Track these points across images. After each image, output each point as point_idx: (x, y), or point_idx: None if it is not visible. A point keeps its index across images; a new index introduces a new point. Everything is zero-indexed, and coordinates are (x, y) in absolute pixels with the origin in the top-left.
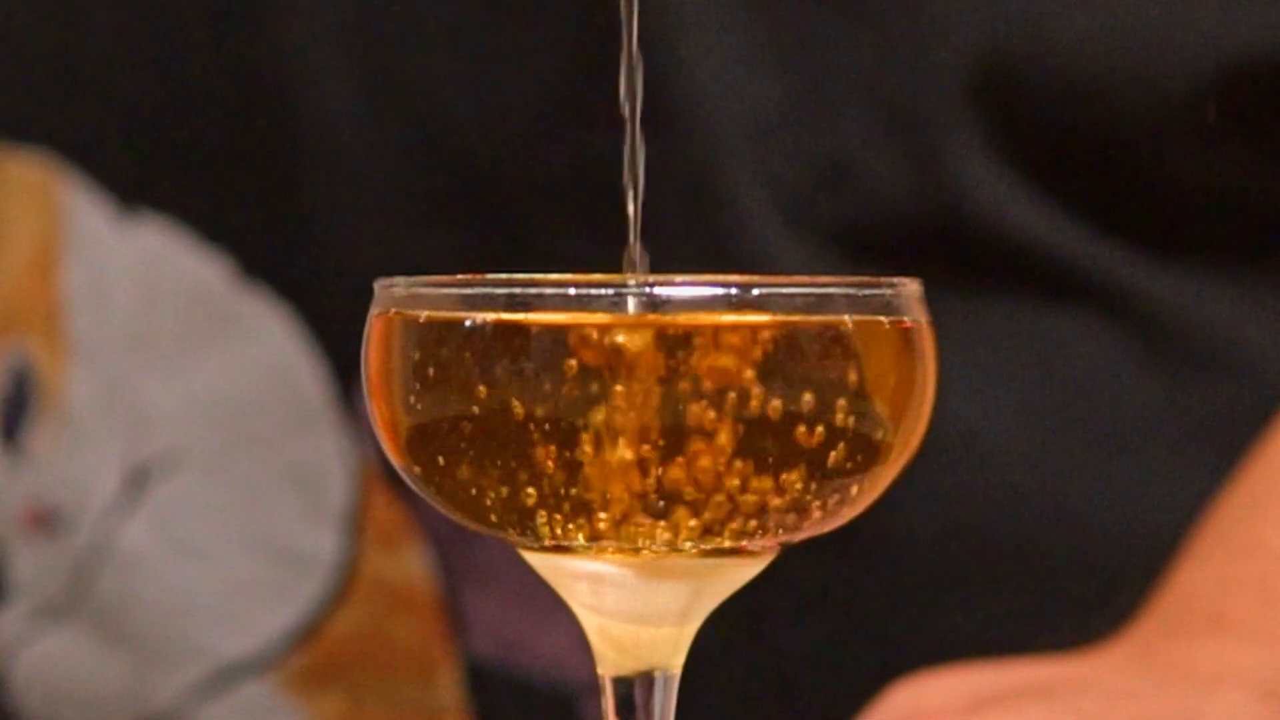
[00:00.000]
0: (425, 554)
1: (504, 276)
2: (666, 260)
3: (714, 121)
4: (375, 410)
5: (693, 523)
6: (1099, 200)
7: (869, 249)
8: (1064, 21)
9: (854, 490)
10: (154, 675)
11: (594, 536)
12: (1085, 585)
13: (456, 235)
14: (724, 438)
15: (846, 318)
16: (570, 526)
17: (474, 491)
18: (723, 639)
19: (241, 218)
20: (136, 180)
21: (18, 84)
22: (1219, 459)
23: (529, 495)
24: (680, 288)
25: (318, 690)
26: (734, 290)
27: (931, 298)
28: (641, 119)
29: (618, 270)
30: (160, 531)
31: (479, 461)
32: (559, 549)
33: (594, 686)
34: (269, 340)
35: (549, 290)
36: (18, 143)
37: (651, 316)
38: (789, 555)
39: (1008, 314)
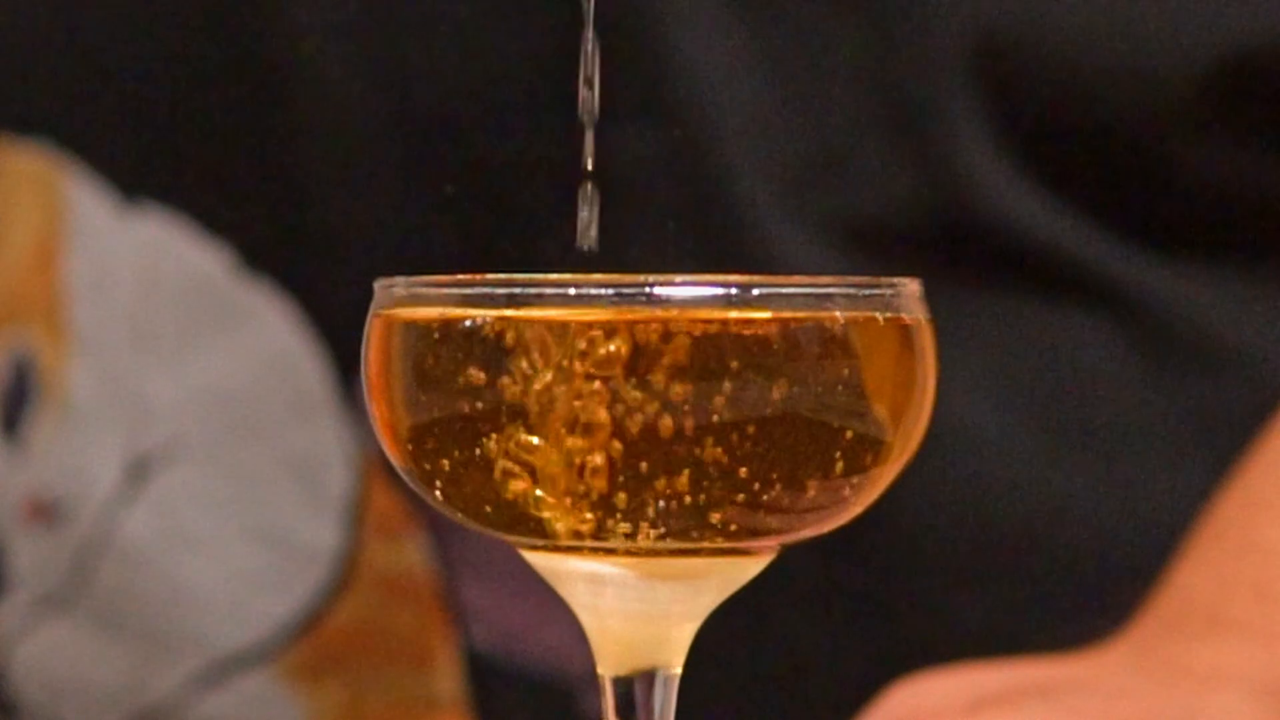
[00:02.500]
0: (425, 545)
1: (504, 276)
2: (667, 252)
3: (713, 112)
4: (375, 410)
5: (692, 522)
6: (1098, 195)
7: (868, 239)
8: (1061, 8)
9: (854, 490)
10: (154, 666)
11: (593, 536)
12: (1084, 581)
13: (458, 225)
14: (724, 436)
15: (846, 316)
16: (570, 527)
17: (473, 492)
18: (725, 636)
19: (242, 208)
20: (138, 171)
21: (20, 76)
22: (1218, 457)
23: (528, 495)
24: (680, 287)
25: (317, 681)
26: (734, 290)
27: (930, 291)
28: (641, 111)
29: (618, 259)
30: (160, 522)
31: (479, 462)
32: (559, 549)
33: (594, 678)
34: (269, 331)
35: (549, 290)
36: (20, 134)
37: (652, 315)
38: (792, 552)
39: (1006, 309)
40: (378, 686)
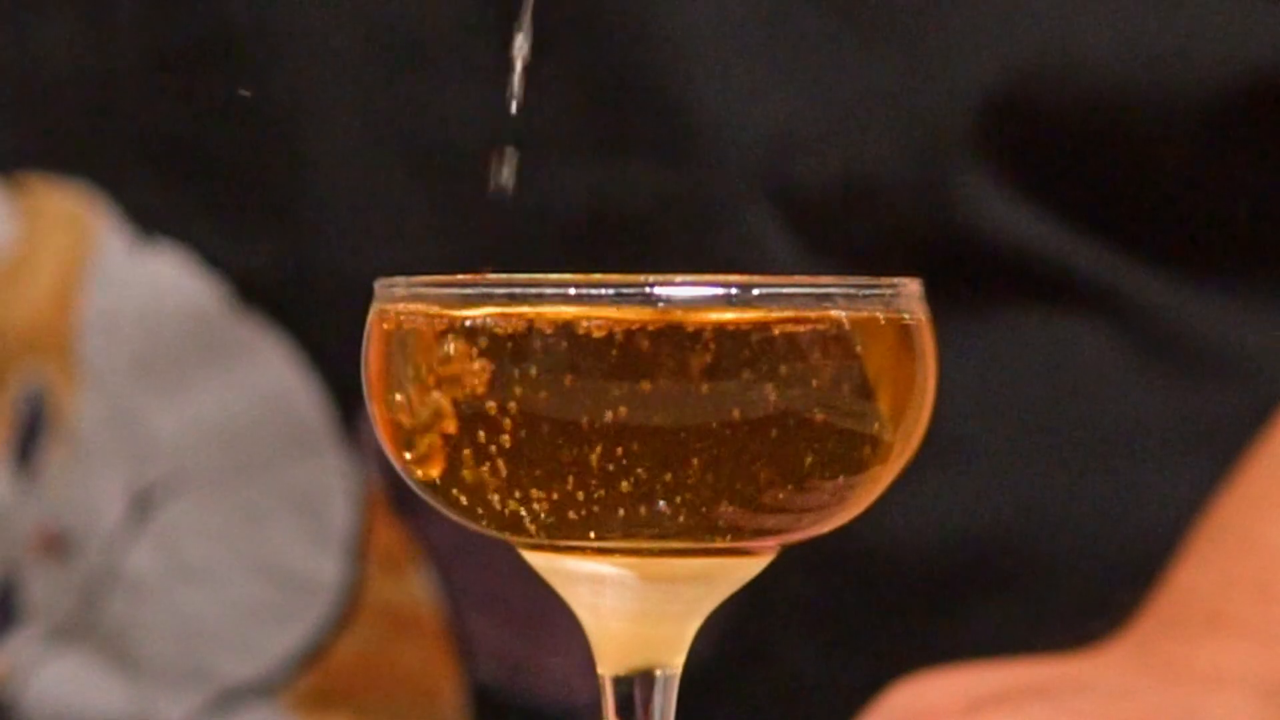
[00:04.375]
0: (429, 578)
1: (504, 276)
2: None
3: (732, 142)
4: (376, 411)
5: (692, 522)
6: (1101, 208)
7: (879, 266)
8: (1084, 48)
9: (854, 489)
10: (161, 699)
11: (594, 536)
12: (1088, 590)
13: (459, 264)
14: (724, 436)
15: (846, 315)
16: (570, 526)
17: (474, 492)
18: (727, 659)
19: (243, 244)
20: (153, 208)
21: (58, 118)
22: (1219, 463)
23: (529, 495)
24: (681, 287)
25: (323, 713)
26: (734, 289)
27: (936, 305)
28: (660, 139)
29: None
30: (165, 555)
31: (479, 462)
32: (559, 549)
33: (599, 709)
34: (268, 366)
35: (549, 290)
36: (58, 174)
37: (652, 315)
38: (793, 571)
39: (1010, 321)
40: (384, 719)
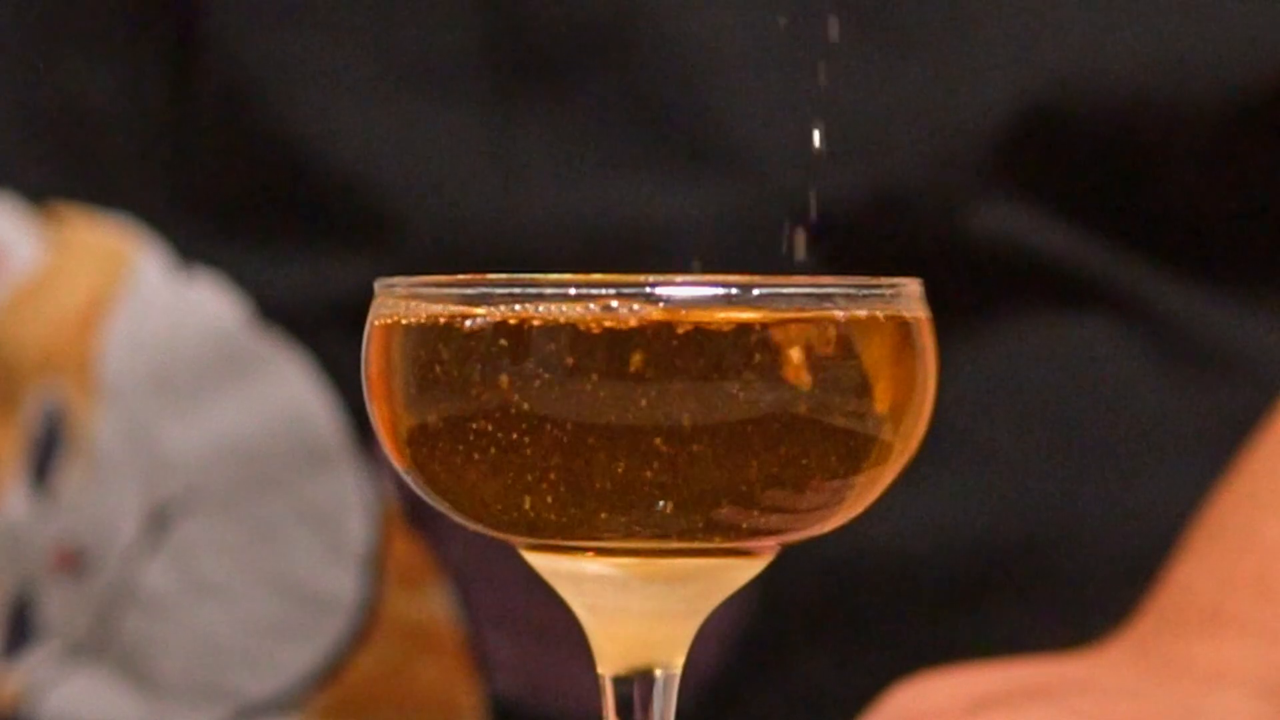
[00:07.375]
0: (447, 594)
1: (504, 276)
2: None
3: (759, 158)
4: (376, 411)
5: (692, 522)
6: (1119, 214)
7: (902, 274)
8: (1108, 60)
9: (854, 489)
10: (177, 716)
11: (594, 536)
12: (1103, 592)
13: None
14: (724, 436)
15: (846, 314)
16: (570, 526)
17: (475, 492)
18: (740, 668)
19: (265, 266)
20: (186, 238)
21: (100, 157)
22: (1232, 465)
23: (529, 495)
24: (681, 287)
25: None
26: (734, 289)
27: (951, 309)
28: (688, 155)
29: None
30: (181, 572)
31: (480, 461)
32: (559, 549)
33: None
34: (285, 383)
35: (549, 290)
36: (100, 208)
37: (651, 315)
38: (804, 579)
39: (1024, 323)
40: None
